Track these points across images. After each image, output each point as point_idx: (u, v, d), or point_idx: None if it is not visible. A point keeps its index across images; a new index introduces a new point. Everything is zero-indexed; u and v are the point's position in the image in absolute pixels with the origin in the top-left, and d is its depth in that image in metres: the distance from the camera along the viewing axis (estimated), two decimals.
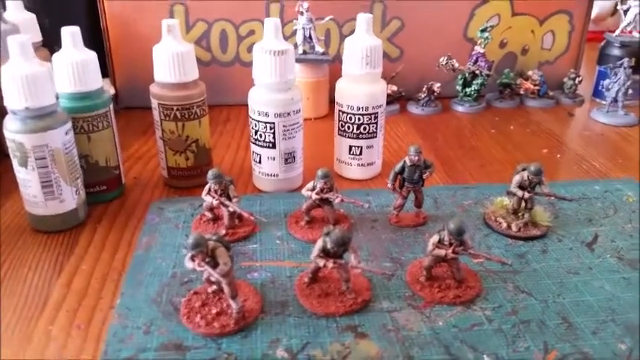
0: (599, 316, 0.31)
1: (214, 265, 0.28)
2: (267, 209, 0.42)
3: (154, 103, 0.45)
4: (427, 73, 0.69)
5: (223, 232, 0.38)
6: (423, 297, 0.32)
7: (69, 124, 0.40)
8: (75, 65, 0.41)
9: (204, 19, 0.65)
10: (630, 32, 0.72)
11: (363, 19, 0.45)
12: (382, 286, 0.33)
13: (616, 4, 0.76)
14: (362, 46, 0.45)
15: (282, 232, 0.39)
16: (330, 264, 0.30)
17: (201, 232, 0.29)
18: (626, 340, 0.29)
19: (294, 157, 0.46)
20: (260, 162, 0.46)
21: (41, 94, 0.37)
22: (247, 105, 0.45)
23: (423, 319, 0.31)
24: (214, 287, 0.31)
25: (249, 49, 0.67)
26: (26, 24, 0.54)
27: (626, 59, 0.64)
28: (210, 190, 0.38)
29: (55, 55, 0.41)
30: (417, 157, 0.38)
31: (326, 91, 0.66)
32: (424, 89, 0.68)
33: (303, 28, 0.62)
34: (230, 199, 0.38)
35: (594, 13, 0.78)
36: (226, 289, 0.29)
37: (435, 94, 0.67)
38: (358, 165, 0.49)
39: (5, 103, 0.37)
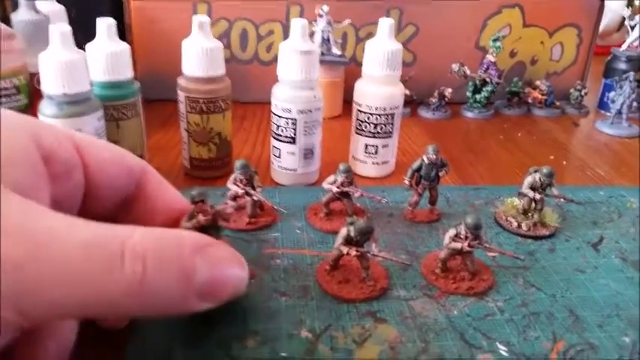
0: (604, 310, 0.33)
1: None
2: (285, 201, 0.44)
3: (181, 95, 0.46)
4: (439, 79, 0.71)
5: (246, 220, 0.40)
6: (438, 287, 0.34)
7: (101, 112, 0.41)
8: (109, 55, 0.42)
9: (226, 17, 0.67)
10: (636, 47, 0.74)
11: (386, 24, 0.47)
12: (399, 275, 0.35)
13: (623, 20, 0.78)
14: (384, 50, 0.47)
15: (302, 222, 0.41)
16: (353, 251, 0.32)
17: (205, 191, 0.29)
18: (629, 334, 0.31)
19: (312, 153, 0.47)
20: (280, 156, 0.47)
21: (78, 81, 0.39)
22: (263, 102, 0.46)
23: (438, 307, 0.32)
24: None
25: (268, 49, 0.69)
26: (56, 15, 0.55)
27: (631, 73, 0.66)
28: (235, 179, 0.39)
29: (89, 45, 0.43)
30: (435, 156, 0.40)
31: (341, 91, 0.68)
32: (435, 94, 0.70)
33: (322, 31, 0.64)
34: (254, 189, 0.39)
35: (601, 28, 0.80)
36: None
37: (446, 99, 0.69)
38: (373, 163, 0.50)
39: (43, 88, 0.39)
